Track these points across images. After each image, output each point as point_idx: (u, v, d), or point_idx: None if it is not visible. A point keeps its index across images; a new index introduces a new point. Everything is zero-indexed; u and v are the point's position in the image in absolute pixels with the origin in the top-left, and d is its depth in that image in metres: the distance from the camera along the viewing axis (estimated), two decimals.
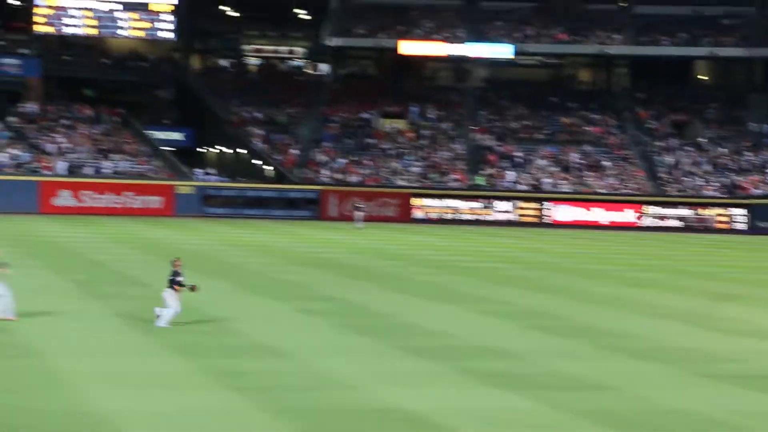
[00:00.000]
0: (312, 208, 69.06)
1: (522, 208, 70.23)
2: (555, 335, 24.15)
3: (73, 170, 67.72)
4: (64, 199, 64.53)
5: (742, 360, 21.85)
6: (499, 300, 30.21)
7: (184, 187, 67.73)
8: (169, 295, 23.20)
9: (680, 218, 69.97)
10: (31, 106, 74.48)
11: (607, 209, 70.50)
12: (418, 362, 20.34)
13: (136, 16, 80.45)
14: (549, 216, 70.11)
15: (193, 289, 23.56)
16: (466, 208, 70.03)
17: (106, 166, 69.23)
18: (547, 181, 72.70)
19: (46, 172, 66.59)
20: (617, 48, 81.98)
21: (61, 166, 67.48)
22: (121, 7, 79.99)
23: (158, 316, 23.26)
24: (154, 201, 66.60)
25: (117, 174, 68.40)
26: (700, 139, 78.02)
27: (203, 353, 20.40)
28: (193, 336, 22.40)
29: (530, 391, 18.02)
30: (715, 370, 20.58)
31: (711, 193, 72.05)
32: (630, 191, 72.19)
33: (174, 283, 23.16)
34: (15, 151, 68.08)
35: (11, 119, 72.46)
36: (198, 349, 20.76)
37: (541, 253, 48.41)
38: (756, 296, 33.16)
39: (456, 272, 37.69)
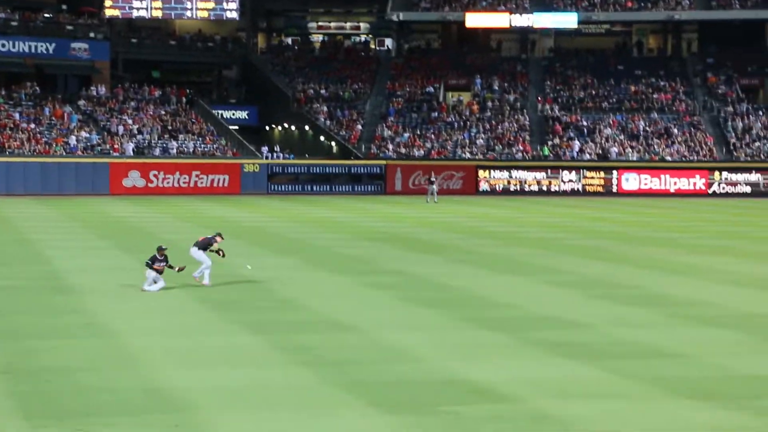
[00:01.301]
0: (377, 183, 69.25)
1: (588, 178, 69.75)
2: (623, 304, 23.99)
3: (141, 151, 68.51)
4: (133, 180, 65.31)
5: None
6: (566, 270, 30.07)
7: (250, 165, 68.20)
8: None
9: (751, 184, 69.03)
10: (100, 89, 75.44)
11: (676, 177, 69.77)
12: (484, 334, 20.36)
13: None
14: (616, 185, 69.56)
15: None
16: (531, 179, 69.71)
17: (173, 146, 69.95)
18: (614, 150, 72.06)
19: (115, 154, 67.44)
20: (686, 13, 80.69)
21: (129, 147, 68.30)
22: None
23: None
24: (221, 180, 67.14)
25: (184, 154, 69.08)
26: None
27: (272, 329, 20.59)
28: (262, 313, 22.63)
29: (598, 360, 17.95)
30: None
31: None
32: (699, 158, 71.31)
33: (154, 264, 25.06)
34: (85, 134, 69.01)
35: (81, 102, 73.46)
36: (267, 326, 20.96)
37: (609, 222, 48.04)
38: None
39: (523, 244, 37.57)
